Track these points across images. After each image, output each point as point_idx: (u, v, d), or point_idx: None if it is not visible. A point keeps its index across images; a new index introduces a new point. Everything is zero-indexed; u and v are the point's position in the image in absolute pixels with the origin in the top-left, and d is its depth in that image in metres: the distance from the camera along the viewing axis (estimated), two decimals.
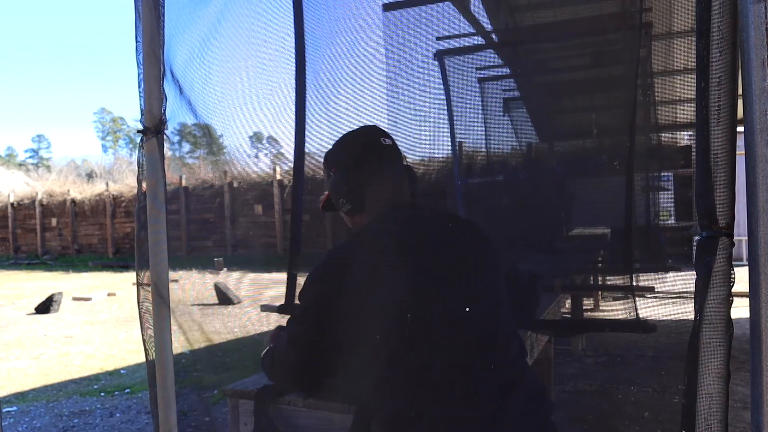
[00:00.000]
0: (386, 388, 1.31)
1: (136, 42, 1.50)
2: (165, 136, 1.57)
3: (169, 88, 1.54)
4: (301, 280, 2.75)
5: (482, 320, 1.35)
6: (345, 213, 1.47)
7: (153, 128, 1.50)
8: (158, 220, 1.54)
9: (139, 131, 1.51)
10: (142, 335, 1.58)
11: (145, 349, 1.58)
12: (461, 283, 1.36)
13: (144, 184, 1.54)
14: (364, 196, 1.42)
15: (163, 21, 1.51)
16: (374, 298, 1.30)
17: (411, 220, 1.43)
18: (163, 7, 1.51)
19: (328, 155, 1.55)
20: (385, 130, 1.53)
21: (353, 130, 1.55)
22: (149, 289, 1.57)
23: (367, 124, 1.58)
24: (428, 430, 1.26)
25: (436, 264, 1.35)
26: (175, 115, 1.58)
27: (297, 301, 1.64)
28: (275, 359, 1.53)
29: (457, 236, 1.46)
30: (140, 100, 1.51)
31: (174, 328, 1.71)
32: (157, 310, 1.56)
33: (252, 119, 1.95)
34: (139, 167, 1.54)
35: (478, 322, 1.34)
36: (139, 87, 1.51)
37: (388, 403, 1.31)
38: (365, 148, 1.47)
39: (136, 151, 1.54)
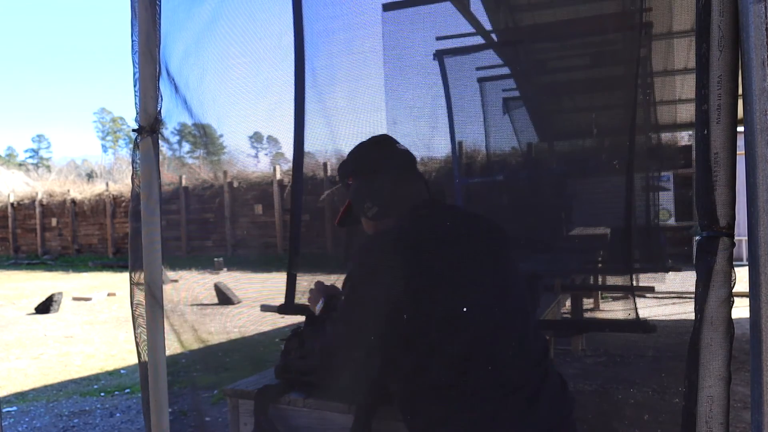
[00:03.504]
0: (427, 394, 1.27)
1: (132, 41, 1.49)
2: (163, 137, 1.56)
3: (164, 87, 1.53)
4: (301, 280, 2.75)
5: (517, 319, 1.34)
6: (370, 218, 1.44)
7: (148, 127, 1.49)
8: (152, 220, 1.53)
9: (134, 130, 1.50)
10: (135, 336, 1.57)
11: (138, 351, 1.57)
12: (497, 283, 1.35)
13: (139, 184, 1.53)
14: (387, 198, 1.41)
15: (160, 19, 1.49)
16: (418, 298, 1.25)
17: (444, 218, 1.42)
18: (160, 5, 1.49)
19: (344, 166, 1.54)
20: (384, 129, 1.54)
21: (365, 141, 1.56)
22: (143, 289, 1.55)
23: (378, 134, 1.61)
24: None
25: (475, 263, 1.34)
26: (171, 114, 1.58)
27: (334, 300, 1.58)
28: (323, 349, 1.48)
29: (487, 235, 1.43)
30: (135, 99, 1.50)
31: (174, 329, 1.71)
32: (151, 311, 1.54)
33: (247, 117, 1.94)
34: (133, 167, 1.53)
35: (514, 321, 1.33)
36: (135, 86, 1.50)
37: (424, 409, 1.28)
38: (383, 153, 1.49)
39: (132, 151, 1.53)
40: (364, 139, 1.59)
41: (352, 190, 1.47)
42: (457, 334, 1.25)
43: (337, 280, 2.61)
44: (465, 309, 1.26)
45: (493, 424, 1.22)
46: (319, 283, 1.69)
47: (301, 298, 2.69)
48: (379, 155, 1.48)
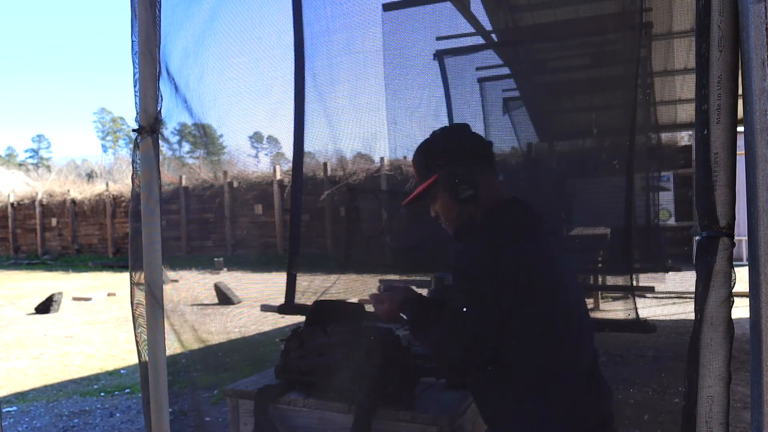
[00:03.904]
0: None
1: (132, 41, 1.49)
2: (163, 137, 1.56)
3: (164, 86, 1.53)
4: (301, 280, 2.75)
5: (588, 316, 1.47)
6: (460, 199, 1.43)
7: (148, 127, 1.49)
8: (152, 220, 1.52)
9: (134, 130, 1.50)
10: (135, 336, 1.57)
11: (138, 351, 1.57)
12: (578, 279, 1.45)
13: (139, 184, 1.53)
14: (481, 184, 1.43)
15: (160, 19, 1.49)
16: (530, 293, 1.29)
17: (538, 216, 1.47)
18: (160, 5, 1.49)
19: (431, 145, 1.52)
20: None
21: (448, 127, 1.60)
22: (143, 289, 1.55)
23: (458, 122, 1.66)
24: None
25: (562, 259, 1.43)
26: (171, 113, 1.57)
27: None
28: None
29: (560, 234, 1.55)
30: (135, 99, 1.50)
31: (174, 329, 1.70)
32: (151, 311, 1.54)
33: (247, 117, 1.94)
34: (133, 167, 1.53)
35: (589, 318, 1.46)
36: (135, 86, 1.50)
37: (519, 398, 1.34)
38: (476, 140, 1.52)
39: (132, 151, 1.53)
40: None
41: (445, 169, 1.45)
42: (562, 327, 1.33)
43: (337, 280, 2.61)
44: (567, 302, 1.37)
45: (579, 405, 1.34)
46: (386, 296, 1.54)
47: (301, 297, 2.70)
48: (473, 142, 1.51)
